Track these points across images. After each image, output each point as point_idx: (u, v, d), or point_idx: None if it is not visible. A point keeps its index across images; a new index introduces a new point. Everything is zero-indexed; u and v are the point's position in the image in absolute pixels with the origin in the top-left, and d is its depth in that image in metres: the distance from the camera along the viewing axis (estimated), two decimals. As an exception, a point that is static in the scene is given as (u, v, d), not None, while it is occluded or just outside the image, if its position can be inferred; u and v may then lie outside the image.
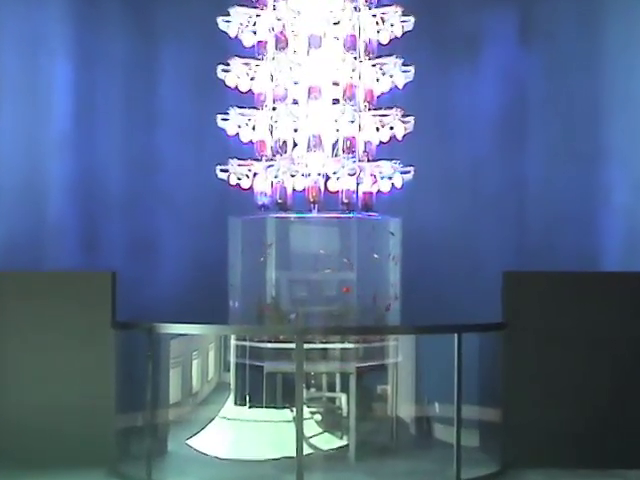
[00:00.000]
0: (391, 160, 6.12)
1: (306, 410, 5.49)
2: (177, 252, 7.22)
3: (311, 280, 5.89)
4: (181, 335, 5.69)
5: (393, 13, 6.08)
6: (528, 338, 5.65)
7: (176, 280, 7.11)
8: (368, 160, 6.14)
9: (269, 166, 6.08)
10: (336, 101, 6.16)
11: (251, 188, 6.19)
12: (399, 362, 5.91)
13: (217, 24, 6.18)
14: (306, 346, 5.29)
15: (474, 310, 6.20)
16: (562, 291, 5.67)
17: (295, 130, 6.14)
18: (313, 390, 5.83)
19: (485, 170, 7.40)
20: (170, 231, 7.24)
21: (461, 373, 5.33)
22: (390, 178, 6.10)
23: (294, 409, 5.23)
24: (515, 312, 5.66)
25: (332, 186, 6.06)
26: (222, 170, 6.16)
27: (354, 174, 6.00)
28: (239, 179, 6.16)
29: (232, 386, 5.87)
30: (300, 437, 5.12)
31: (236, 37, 6.22)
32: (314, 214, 5.99)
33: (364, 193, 6.11)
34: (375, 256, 5.85)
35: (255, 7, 6.22)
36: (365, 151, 6.16)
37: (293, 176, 6.02)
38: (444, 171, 7.30)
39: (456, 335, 5.33)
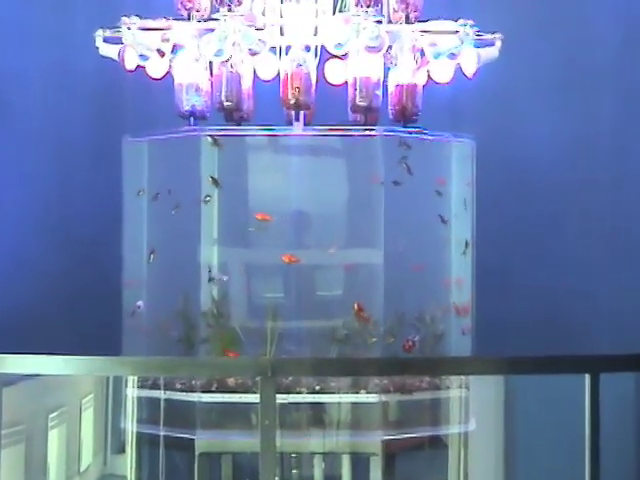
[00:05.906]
0: (456, 20, 6.24)
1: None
2: (20, 211, 7.48)
3: (291, 268, 5.99)
4: (26, 378, 5.76)
5: None
6: None
7: (19, 266, 7.34)
8: (408, 20, 6.22)
9: (205, 31, 6.14)
10: None
11: (168, 76, 6.32)
12: (470, 432, 6.11)
13: None
14: (282, 399, 5.41)
15: (623, 328, 6.61)
16: None
17: (257, -42, 6.29)
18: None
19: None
20: (5, 168, 7.45)
21: (599, 452, 5.30)
22: (453, 56, 6.19)
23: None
24: None
25: (333, 74, 6.23)
26: (107, 40, 6.31)
27: (379, 49, 6.05)
28: (143, 58, 6.26)
29: (130, 483, 5.99)
30: None
31: None
32: (297, 129, 6.16)
33: (399, 87, 6.25)
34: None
35: None
36: (402, 2, 6.24)
37: (254, 53, 6.11)
38: (567, 47, 7.54)
39: (588, 377, 5.38)
